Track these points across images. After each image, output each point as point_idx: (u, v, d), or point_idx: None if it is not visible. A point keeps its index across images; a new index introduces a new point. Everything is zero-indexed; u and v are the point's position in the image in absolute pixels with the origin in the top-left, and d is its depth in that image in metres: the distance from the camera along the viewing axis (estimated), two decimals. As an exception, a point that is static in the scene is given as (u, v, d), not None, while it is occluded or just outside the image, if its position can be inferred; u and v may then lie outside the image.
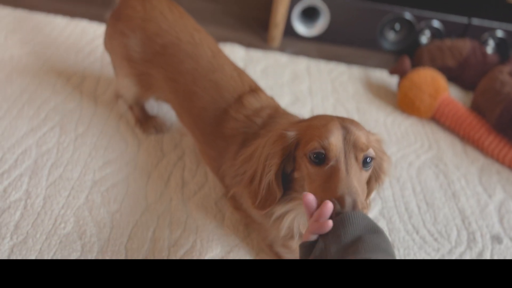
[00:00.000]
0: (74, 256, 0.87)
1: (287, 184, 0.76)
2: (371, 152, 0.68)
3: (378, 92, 1.50)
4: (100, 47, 1.45)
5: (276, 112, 0.89)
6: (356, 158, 0.67)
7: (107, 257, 0.88)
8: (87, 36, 1.50)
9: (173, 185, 1.04)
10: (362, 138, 0.67)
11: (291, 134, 0.72)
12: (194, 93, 0.92)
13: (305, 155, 0.68)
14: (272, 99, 0.95)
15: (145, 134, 1.15)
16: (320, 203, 0.63)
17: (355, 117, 1.36)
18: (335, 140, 0.66)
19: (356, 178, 0.65)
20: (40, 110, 1.17)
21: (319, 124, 0.70)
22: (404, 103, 1.39)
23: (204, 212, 0.99)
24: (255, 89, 0.93)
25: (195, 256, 0.90)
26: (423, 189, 1.15)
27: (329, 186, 0.64)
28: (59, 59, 1.37)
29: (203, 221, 0.97)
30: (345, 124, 0.69)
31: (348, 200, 0.61)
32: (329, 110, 1.37)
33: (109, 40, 1.06)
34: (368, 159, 0.68)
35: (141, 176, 1.05)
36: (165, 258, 0.89)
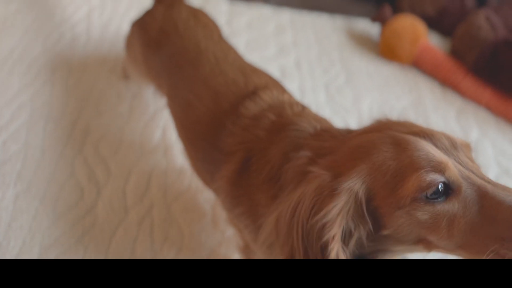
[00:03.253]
0: (75, 199, 0.92)
1: (360, 249, 0.54)
2: (471, 143, 0.54)
3: (361, 41, 1.54)
4: (86, 6, 1.45)
5: (281, 118, 0.69)
6: (471, 160, 0.51)
7: (106, 201, 0.93)
8: (71, -6, 1.50)
9: (168, 135, 1.09)
10: (448, 134, 0.52)
11: (351, 183, 0.50)
12: (188, 104, 0.80)
13: (413, 199, 0.47)
14: (280, 93, 0.76)
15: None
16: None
17: (339, 66, 1.40)
18: (440, 155, 0.48)
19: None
20: (31, 67, 1.20)
21: (385, 149, 0.50)
22: (385, 50, 1.44)
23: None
24: (256, 90, 0.75)
25: (191, 196, 0.96)
26: (403, 130, 1.21)
27: (494, 222, 0.46)
28: (45, 17, 1.38)
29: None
30: (412, 130, 0.53)
31: None
32: (314, 61, 1.41)
33: (127, 45, 1.06)
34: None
35: (136, 127, 1.09)
36: (163, 199, 0.95)
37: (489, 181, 0.48)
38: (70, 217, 0.90)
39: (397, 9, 1.64)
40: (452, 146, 0.50)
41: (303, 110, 0.71)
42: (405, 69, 1.43)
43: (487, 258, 0.46)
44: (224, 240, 0.91)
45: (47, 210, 0.90)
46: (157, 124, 1.11)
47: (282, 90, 0.78)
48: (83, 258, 0.84)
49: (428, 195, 0.47)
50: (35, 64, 1.21)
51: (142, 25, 0.96)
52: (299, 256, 0.51)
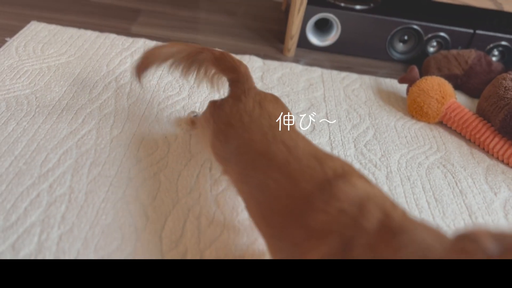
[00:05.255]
0: (115, 244, 0.97)
1: None
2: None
3: (389, 98, 1.59)
4: (129, 59, 1.56)
5: (389, 220, 0.62)
6: None
7: (145, 245, 0.97)
8: (117, 48, 1.62)
9: (202, 181, 1.13)
10: None
11: None
12: (264, 185, 0.80)
13: None
14: (370, 184, 0.73)
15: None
16: None
17: (367, 122, 1.45)
18: None
19: None
20: (77, 115, 1.28)
21: None
22: (413, 108, 1.48)
23: (231, 206, 1.08)
24: (342, 174, 0.74)
25: (223, 244, 0.99)
26: (432, 187, 1.23)
27: None
28: (92, 69, 1.49)
29: (230, 214, 1.06)
30: None
31: None
32: (342, 115, 1.46)
33: (201, 124, 1.08)
34: None
35: (172, 174, 1.15)
36: (196, 246, 0.98)
37: None
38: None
39: (424, 70, 1.70)
40: None
41: (403, 214, 0.65)
42: (433, 127, 1.47)
43: None
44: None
45: (88, 252, 0.94)
46: (193, 171, 1.16)
47: (362, 177, 0.75)
48: (120, 301, 0.87)
49: None
50: (81, 112, 1.30)
51: (213, 117, 0.99)
52: None
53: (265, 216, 0.80)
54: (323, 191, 0.71)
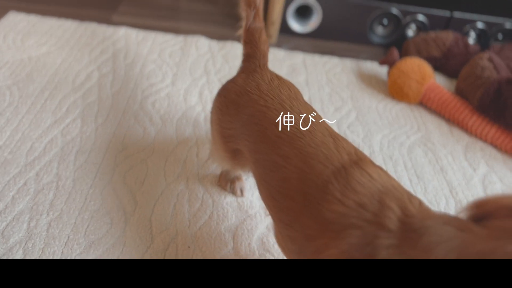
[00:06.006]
0: (105, 228, 0.97)
1: None
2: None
3: (370, 81, 1.62)
4: (111, 48, 1.56)
5: (408, 218, 0.59)
6: None
7: (134, 229, 0.98)
8: (98, 37, 1.61)
9: (189, 166, 1.15)
10: None
11: None
12: (274, 163, 0.75)
13: None
14: (383, 172, 0.69)
15: (221, 189, 1.13)
16: None
17: (350, 105, 1.48)
18: None
19: None
20: (61, 104, 1.28)
21: None
22: (393, 89, 1.51)
23: (219, 188, 1.10)
24: (357, 161, 0.69)
25: (213, 225, 1.01)
26: (413, 165, 1.26)
27: None
28: (74, 58, 1.48)
29: (218, 196, 1.08)
30: None
31: None
32: (325, 99, 1.49)
33: (211, 114, 1.01)
34: None
35: (159, 159, 1.16)
36: (186, 228, 1.00)
37: None
38: (101, 244, 0.94)
39: (403, 53, 1.73)
40: None
41: (420, 205, 0.62)
42: (413, 108, 1.50)
43: None
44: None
45: (79, 237, 0.95)
46: (180, 157, 1.17)
47: (376, 165, 0.71)
48: (112, 283, 0.88)
49: None
50: (65, 101, 1.29)
51: (221, 92, 0.94)
52: None
53: (275, 198, 0.75)
54: (339, 179, 0.66)
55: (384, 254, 0.56)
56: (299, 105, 0.81)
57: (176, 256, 0.95)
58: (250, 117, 0.84)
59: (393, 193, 0.63)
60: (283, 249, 0.77)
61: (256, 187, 1.06)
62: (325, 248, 0.63)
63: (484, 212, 0.51)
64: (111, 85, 1.39)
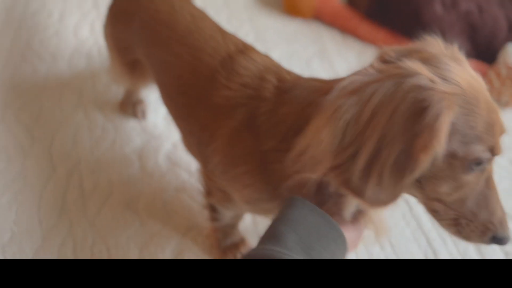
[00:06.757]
0: (1, 165, 0.94)
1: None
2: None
3: (266, 1, 1.64)
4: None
5: (282, 83, 0.65)
6: None
7: (34, 161, 0.96)
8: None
9: (86, 97, 1.12)
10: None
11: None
12: (167, 63, 0.78)
13: (463, 164, 0.48)
14: (267, 57, 0.72)
15: (122, 113, 1.11)
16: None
17: (248, 27, 1.49)
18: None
19: None
20: None
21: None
22: (288, 6, 1.55)
23: (121, 114, 1.09)
24: (243, 49, 0.73)
25: (117, 150, 1.01)
26: (311, 73, 1.32)
27: (485, 204, 0.52)
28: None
29: (120, 122, 1.07)
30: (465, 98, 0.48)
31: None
32: (224, 23, 1.49)
33: (104, 29, 1.00)
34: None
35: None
36: (89, 154, 0.99)
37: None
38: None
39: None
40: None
41: (296, 75, 0.67)
42: (309, 22, 1.55)
43: (444, 221, 0.53)
44: (153, 182, 0.97)
45: (-27, 177, 0.91)
46: (75, 89, 1.13)
47: (262, 53, 0.75)
48: (16, 214, 0.87)
49: (472, 165, 0.49)
50: None
51: (112, 5, 0.94)
52: (364, 158, 0.47)
53: (172, 97, 0.78)
54: (225, 67, 0.70)
55: (262, 119, 0.62)
56: (189, 6, 0.83)
57: (81, 181, 0.94)
58: (141, 22, 0.84)
59: (272, 69, 0.67)
60: (190, 150, 0.82)
61: (161, 107, 1.06)
62: (217, 129, 0.67)
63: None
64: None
